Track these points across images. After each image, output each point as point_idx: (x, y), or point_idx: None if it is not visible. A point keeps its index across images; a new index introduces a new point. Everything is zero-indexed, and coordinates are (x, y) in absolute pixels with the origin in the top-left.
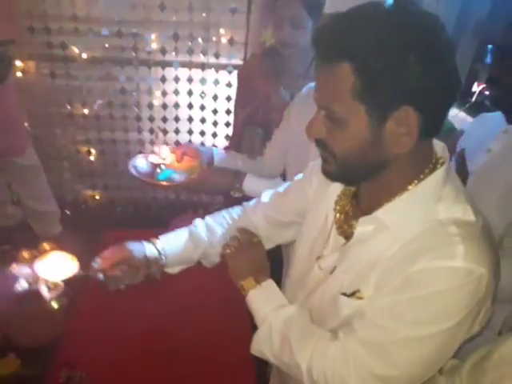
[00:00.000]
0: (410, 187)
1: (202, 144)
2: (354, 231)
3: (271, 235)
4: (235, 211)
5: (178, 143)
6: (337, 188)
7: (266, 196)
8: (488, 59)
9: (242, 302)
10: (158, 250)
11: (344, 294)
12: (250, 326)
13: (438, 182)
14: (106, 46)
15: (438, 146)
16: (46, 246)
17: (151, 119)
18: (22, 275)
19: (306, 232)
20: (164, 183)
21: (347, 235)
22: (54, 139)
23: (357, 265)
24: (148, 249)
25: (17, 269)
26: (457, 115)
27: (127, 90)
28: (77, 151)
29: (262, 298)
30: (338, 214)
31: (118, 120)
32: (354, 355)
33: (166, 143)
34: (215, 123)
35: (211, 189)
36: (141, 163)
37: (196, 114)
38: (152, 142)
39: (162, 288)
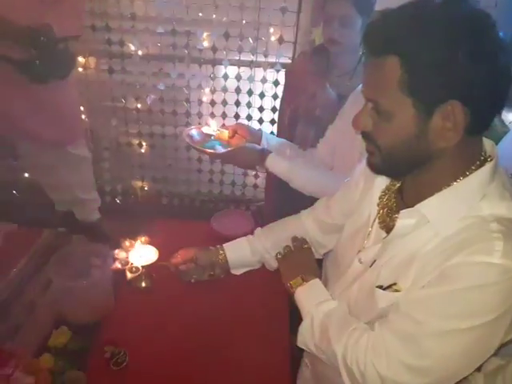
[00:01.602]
0: (454, 183)
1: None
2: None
3: (323, 241)
4: (289, 219)
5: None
6: (382, 183)
7: (320, 201)
8: None
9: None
10: (221, 257)
11: (380, 287)
12: (288, 327)
13: (484, 178)
14: (160, 43)
15: (487, 143)
16: (142, 239)
17: (199, 115)
18: (119, 259)
19: (350, 226)
20: (205, 150)
21: (389, 229)
22: (108, 131)
23: (396, 258)
24: (213, 254)
25: (117, 253)
26: None
27: (178, 86)
28: (129, 144)
29: (308, 295)
30: (381, 209)
31: (168, 115)
32: (387, 344)
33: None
34: (261, 120)
35: (239, 162)
36: (195, 132)
37: (243, 111)
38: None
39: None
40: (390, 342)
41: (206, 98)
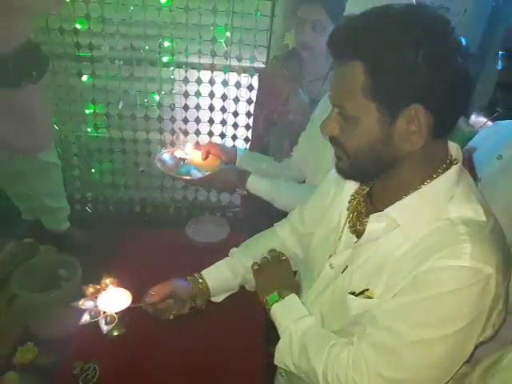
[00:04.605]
0: (422, 186)
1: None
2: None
3: (300, 252)
4: (266, 233)
5: (198, 144)
6: (351, 187)
7: (295, 212)
8: (499, 65)
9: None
10: (201, 286)
11: (353, 293)
12: (265, 336)
13: (451, 181)
14: (130, 47)
15: (452, 146)
16: (107, 280)
17: (172, 120)
18: (87, 309)
19: (321, 231)
20: (181, 176)
21: (359, 233)
22: (78, 137)
23: (367, 263)
24: (193, 284)
25: (83, 303)
26: (484, 124)
27: (150, 91)
28: (99, 150)
29: (284, 311)
30: (351, 213)
31: (140, 120)
32: (367, 359)
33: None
34: (235, 125)
35: (219, 186)
36: (167, 157)
37: (217, 116)
38: (173, 143)
39: None
40: (370, 356)
41: (178, 103)
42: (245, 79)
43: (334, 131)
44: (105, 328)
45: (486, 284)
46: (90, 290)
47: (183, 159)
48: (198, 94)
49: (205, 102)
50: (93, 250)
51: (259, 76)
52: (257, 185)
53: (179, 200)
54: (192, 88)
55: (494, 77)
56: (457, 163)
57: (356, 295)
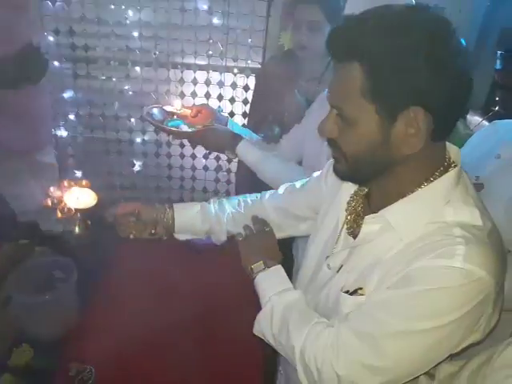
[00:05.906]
0: (419, 189)
1: None
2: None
3: (283, 224)
4: (251, 197)
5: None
6: (349, 189)
7: (282, 188)
8: (498, 65)
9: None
10: (166, 216)
11: (346, 292)
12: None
13: (449, 184)
14: (126, 48)
15: (452, 149)
16: (83, 182)
17: None
18: (51, 196)
19: (318, 232)
20: (171, 128)
21: (355, 235)
22: (73, 138)
23: (361, 264)
24: (158, 211)
25: (52, 191)
26: (479, 124)
27: (146, 92)
28: (95, 151)
29: (269, 281)
30: (349, 215)
31: (136, 121)
32: (345, 343)
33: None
34: None
35: (209, 143)
36: (156, 110)
37: None
38: (168, 143)
39: (173, 284)
40: (349, 340)
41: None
42: (241, 80)
43: (333, 133)
44: (59, 214)
45: (477, 286)
46: (65, 183)
47: (172, 114)
48: (193, 94)
49: (201, 102)
50: (89, 251)
51: (256, 76)
52: (247, 151)
53: (175, 200)
54: (188, 89)
55: (490, 76)
56: (455, 166)
57: (349, 294)
